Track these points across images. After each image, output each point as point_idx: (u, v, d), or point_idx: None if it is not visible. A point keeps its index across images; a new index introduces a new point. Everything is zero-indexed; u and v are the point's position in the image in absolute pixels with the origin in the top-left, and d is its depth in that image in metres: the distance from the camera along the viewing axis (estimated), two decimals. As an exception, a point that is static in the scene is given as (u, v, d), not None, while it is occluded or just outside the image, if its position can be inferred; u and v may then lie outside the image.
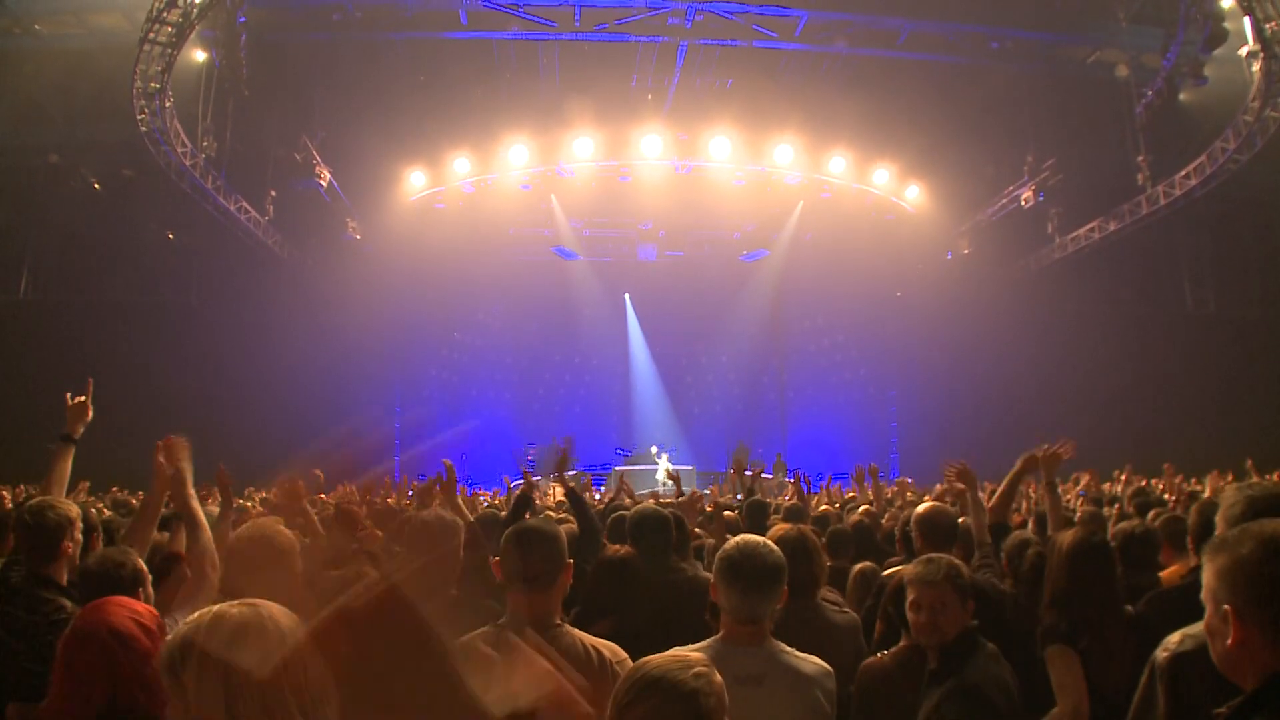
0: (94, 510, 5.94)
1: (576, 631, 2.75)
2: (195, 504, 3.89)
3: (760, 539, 2.95)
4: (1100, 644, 3.26)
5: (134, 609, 2.67)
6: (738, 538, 2.93)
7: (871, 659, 3.46)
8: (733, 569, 2.80)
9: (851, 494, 9.23)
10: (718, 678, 1.89)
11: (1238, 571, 1.74)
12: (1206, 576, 1.82)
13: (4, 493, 9.61)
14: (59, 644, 2.63)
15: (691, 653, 2.08)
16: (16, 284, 20.58)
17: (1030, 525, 5.63)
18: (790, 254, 26.60)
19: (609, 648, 2.67)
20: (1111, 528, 5.18)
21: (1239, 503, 2.68)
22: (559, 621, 2.77)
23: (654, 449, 23.90)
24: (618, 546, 4.24)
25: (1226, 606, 1.74)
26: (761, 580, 2.79)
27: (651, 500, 7.08)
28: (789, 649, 2.83)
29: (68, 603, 3.38)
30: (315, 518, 5.42)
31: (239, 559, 2.90)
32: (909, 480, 14.51)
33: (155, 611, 2.74)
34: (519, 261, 26.93)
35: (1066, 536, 3.61)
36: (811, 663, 2.81)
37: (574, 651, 2.66)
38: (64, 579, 3.55)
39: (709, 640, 2.84)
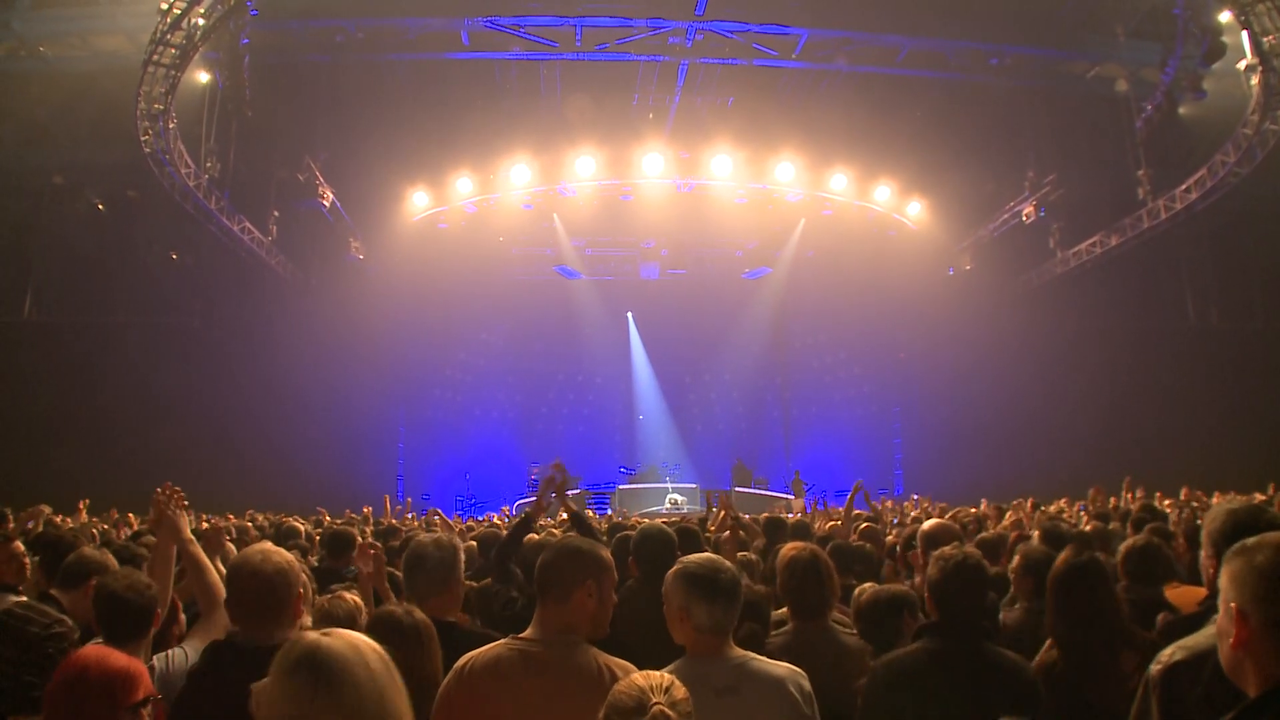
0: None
1: (593, 649, 2.74)
2: (195, 548, 3.77)
3: (711, 555, 3.03)
4: (1086, 666, 3.27)
5: (115, 660, 2.62)
6: (692, 557, 2.99)
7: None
8: (703, 584, 2.85)
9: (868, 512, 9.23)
10: None
11: (1249, 574, 1.79)
12: (1221, 580, 1.88)
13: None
14: (48, 690, 2.59)
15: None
16: (20, 305, 20.62)
17: (1036, 538, 5.55)
18: (792, 271, 26.66)
19: (622, 667, 2.66)
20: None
21: (1219, 517, 2.80)
22: (578, 638, 2.76)
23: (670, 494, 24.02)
24: None
25: (1233, 605, 1.80)
26: (729, 592, 2.85)
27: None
28: (754, 655, 2.87)
29: (67, 619, 3.36)
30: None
31: (243, 589, 2.86)
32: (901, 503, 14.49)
33: (138, 662, 2.71)
34: (521, 281, 27.00)
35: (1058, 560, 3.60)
36: (782, 666, 2.85)
37: (587, 670, 2.66)
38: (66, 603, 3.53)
39: (678, 661, 2.84)
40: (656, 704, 1.96)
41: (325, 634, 1.81)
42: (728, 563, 2.94)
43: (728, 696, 2.71)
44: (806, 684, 2.82)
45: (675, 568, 2.94)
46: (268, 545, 2.99)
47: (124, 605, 3.06)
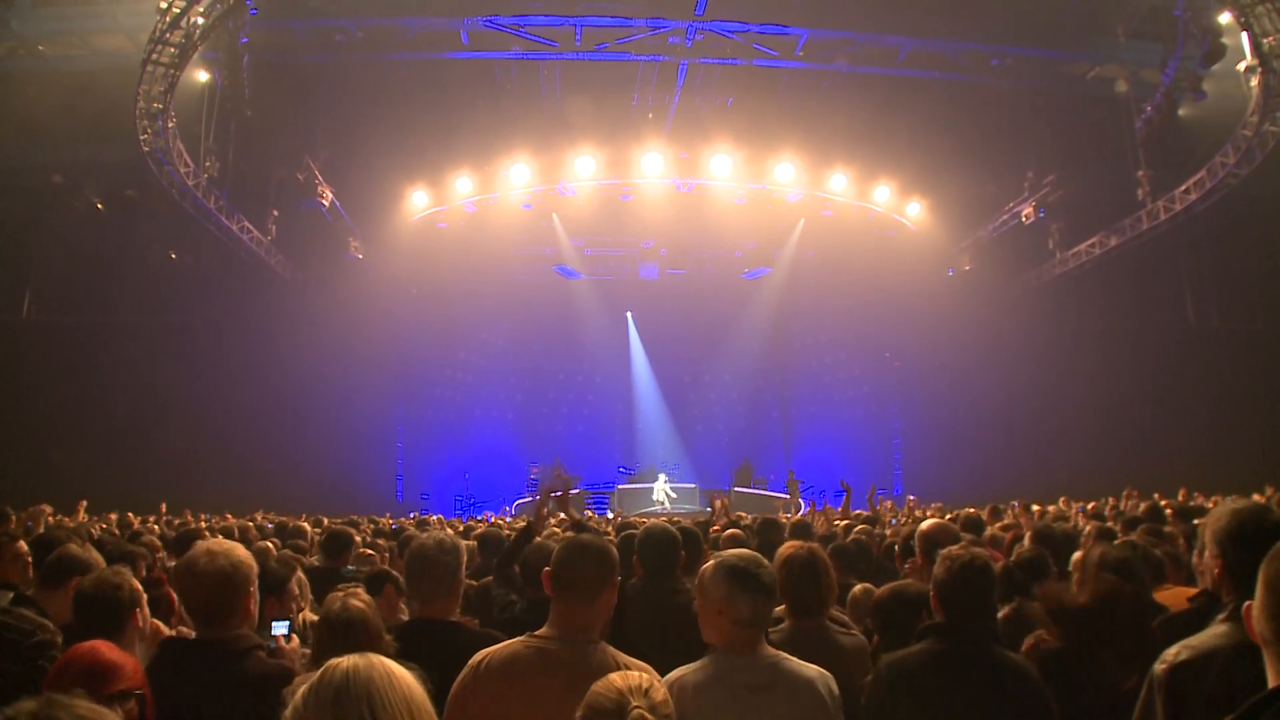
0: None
1: (611, 649, 2.74)
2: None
3: (751, 551, 3.00)
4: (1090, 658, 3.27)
5: (102, 652, 2.62)
6: (732, 551, 2.98)
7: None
8: (745, 576, 2.83)
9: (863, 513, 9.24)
10: None
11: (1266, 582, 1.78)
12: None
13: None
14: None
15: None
16: (20, 304, 20.62)
17: (1027, 540, 5.53)
18: (792, 271, 26.66)
19: (638, 666, 2.66)
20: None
21: (1223, 517, 2.75)
22: (595, 637, 2.76)
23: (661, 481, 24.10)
24: None
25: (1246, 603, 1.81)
26: (770, 587, 2.85)
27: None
28: (786, 655, 2.85)
29: (49, 623, 3.31)
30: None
31: (188, 588, 2.87)
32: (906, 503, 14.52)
33: (135, 660, 2.71)
34: (521, 280, 26.97)
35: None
36: (812, 668, 2.84)
37: (603, 669, 2.61)
38: (48, 610, 3.50)
39: (710, 655, 2.83)
40: (636, 707, 1.90)
41: (364, 658, 1.60)
42: (763, 559, 2.94)
43: (762, 694, 2.70)
44: (835, 686, 2.82)
45: (713, 563, 2.93)
46: (216, 544, 2.96)
47: (90, 602, 3.05)
